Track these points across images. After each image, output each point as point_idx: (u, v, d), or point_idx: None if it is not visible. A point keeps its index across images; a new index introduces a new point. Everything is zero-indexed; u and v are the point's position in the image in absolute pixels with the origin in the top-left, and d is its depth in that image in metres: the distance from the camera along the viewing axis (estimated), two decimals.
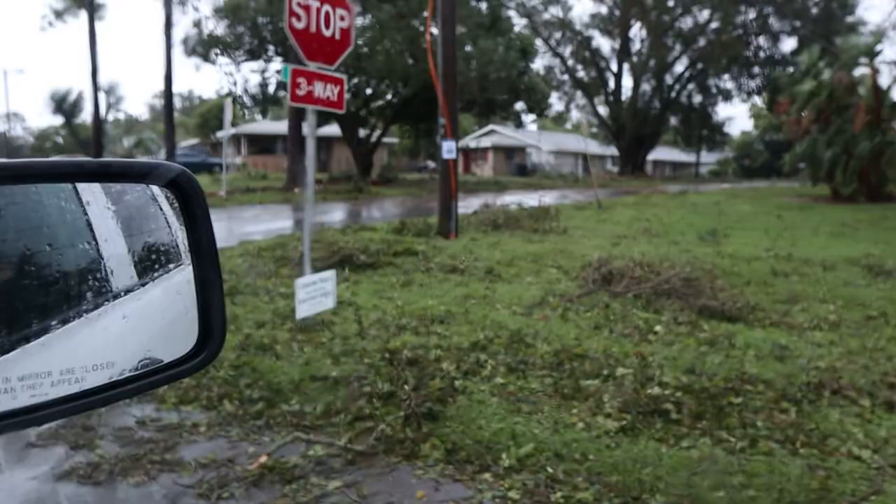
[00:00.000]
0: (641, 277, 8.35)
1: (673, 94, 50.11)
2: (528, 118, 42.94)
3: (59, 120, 77.03)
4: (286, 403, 4.62)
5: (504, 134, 63.25)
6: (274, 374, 5.06)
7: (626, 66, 50.82)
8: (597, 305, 7.39)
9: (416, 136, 41.76)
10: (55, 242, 0.99)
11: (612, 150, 59.28)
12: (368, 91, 34.73)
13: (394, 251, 10.32)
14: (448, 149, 12.84)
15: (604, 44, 52.34)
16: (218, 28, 33.73)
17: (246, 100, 35.44)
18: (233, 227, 15.72)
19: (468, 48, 25.90)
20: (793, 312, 7.43)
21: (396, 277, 8.81)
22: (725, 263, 9.89)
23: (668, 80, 49.59)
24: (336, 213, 19.38)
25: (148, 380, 1.05)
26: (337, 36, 6.46)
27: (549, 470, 3.69)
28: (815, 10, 44.31)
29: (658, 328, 6.49)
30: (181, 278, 1.12)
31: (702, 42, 48.93)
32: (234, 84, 34.72)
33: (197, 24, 32.57)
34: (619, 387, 4.83)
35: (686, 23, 48.36)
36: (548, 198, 22.91)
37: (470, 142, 55.90)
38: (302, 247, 6.67)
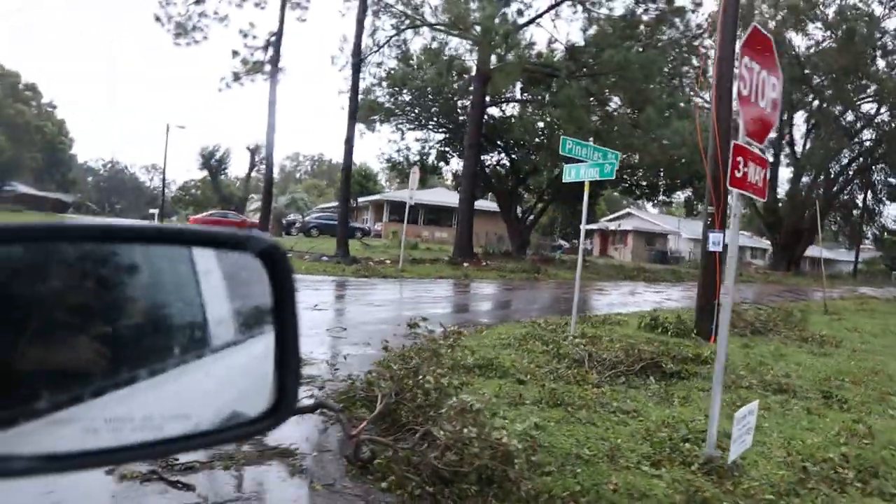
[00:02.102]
0: None
1: (835, 189, 47.19)
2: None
3: (200, 175, 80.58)
4: None
5: (643, 218, 61.42)
6: None
7: (782, 156, 48.39)
8: None
9: (567, 213, 40.62)
10: (163, 299, 1.12)
11: (760, 243, 56.46)
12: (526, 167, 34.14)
13: (682, 357, 8.90)
14: (714, 241, 11.46)
15: None
16: (383, 97, 33.94)
17: (407, 167, 35.31)
18: (447, 303, 14.72)
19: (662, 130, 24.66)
20: None
21: (725, 395, 7.38)
22: None
23: (831, 174, 46.81)
24: (539, 299, 18.14)
25: (222, 434, 1.12)
26: (768, 109, 5.28)
27: None
28: None
29: None
30: (263, 343, 1.16)
31: (867, 135, 46.24)
32: (398, 151, 34.77)
33: (367, 92, 32.69)
34: None
35: (852, 115, 45.77)
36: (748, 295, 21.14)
37: (610, 224, 54.34)
38: (715, 368, 5.33)
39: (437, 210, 53.23)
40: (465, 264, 25.10)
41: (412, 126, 34.46)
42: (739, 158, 5.02)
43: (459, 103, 33.72)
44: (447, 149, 35.57)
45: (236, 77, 32.36)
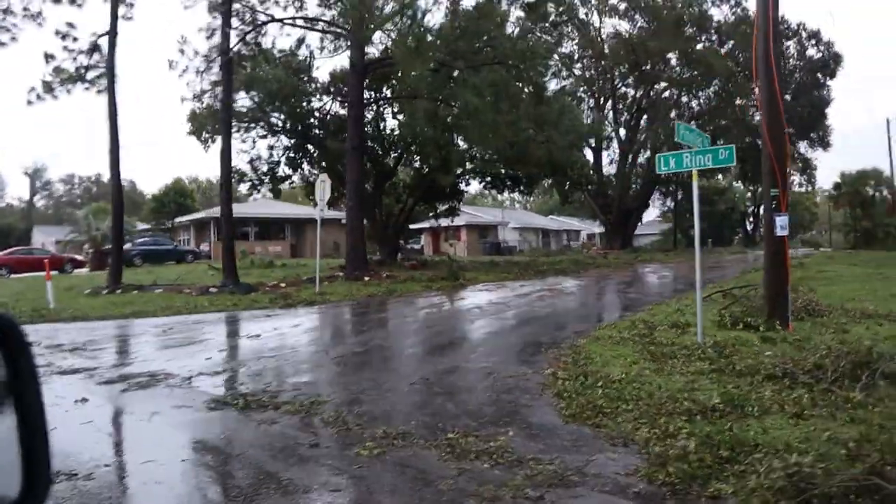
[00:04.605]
0: None
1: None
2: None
3: None
4: None
5: (470, 212, 61.64)
6: None
7: (606, 141, 50.33)
8: None
9: (420, 211, 39.33)
10: None
11: (587, 226, 58.62)
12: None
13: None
14: (782, 225, 10.63)
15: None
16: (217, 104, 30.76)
17: (254, 178, 32.23)
18: (453, 327, 12.80)
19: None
20: None
21: None
22: None
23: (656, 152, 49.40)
24: (530, 305, 16.55)
25: None
26: None
27: None
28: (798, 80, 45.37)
29: None
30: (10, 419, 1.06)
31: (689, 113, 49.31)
32: (250, 162, 31.67)
33: (199, 97, 29.14)
34: None
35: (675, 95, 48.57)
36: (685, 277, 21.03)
37: (442, 220, 53.66)
38: None
39: (265, 224, 49.99)
40: (366, 278, 22.96)
41: (262, 134, 31.50)
42: None
43: (313, 105, 31.28)
44: (296, 154, 32.94)
45: (48, 88, 27.65)
